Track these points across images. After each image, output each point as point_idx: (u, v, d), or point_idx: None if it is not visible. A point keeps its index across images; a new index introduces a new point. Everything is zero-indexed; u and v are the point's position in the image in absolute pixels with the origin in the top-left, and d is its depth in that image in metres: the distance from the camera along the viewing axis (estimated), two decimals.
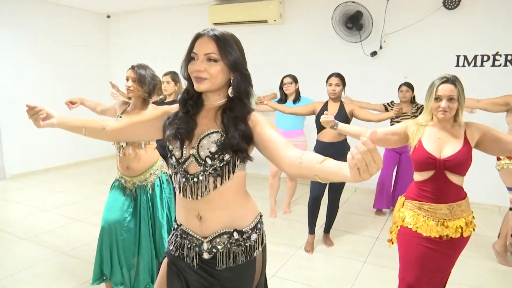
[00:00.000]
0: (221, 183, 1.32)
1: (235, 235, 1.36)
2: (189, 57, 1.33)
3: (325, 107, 3.43)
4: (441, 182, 1.92)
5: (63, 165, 6.55)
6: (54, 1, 6.12)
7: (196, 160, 1.33)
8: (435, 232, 1.92)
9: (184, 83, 1.43)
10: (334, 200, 3.55)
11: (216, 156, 1.30)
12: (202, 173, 1.32)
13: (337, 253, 3.45)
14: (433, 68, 4.73)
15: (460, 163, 1.88)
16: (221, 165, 1.31)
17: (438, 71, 4.57)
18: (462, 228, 1.92)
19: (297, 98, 4.20)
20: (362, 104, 4.44)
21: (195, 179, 1.33)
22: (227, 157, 1.30)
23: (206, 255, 1.37)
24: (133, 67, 2.44)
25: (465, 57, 4.57)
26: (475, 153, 1.96)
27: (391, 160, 4.27)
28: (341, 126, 2.33)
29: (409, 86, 4.13)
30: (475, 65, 4.54)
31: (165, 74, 3.60)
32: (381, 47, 5.01)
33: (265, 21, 5.58)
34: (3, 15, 5.59)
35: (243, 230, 1.37)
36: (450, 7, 4.50)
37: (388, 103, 4.22)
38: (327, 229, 3.64)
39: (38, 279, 2.93)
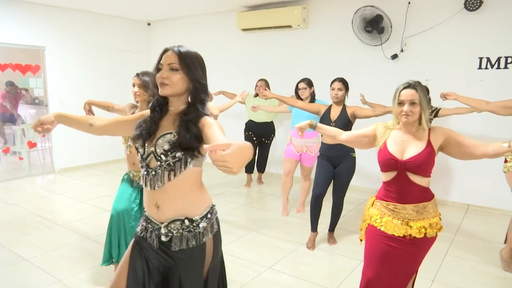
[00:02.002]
0: (174, 177, 1.55)
1: (186, 222, 1.59)
2: (158, 68, 1.60)
3: (328, 110, 3.57)
4: (403, 182, 2.01)
5: (104, 162, 7.15)
6: (99, 11, 6.71)
7: (155, 157, 1.58)
8: (399, 232, 2.02)
9: None
10: (338, 200, 3.66)
11: (169, 153, 1.55)
12: (158, 167, 1.57)
13: (338, 251, 3.56)
14: (455, 71, 4.66)
15: (421, 164, 1.97)
16: (173, 161, 1.54)
17: (460, 73, 4.61)
18: (425, 229, 2.01)
19: (312, 101, 4.33)
20: (376, 105, 4.48)
21: (153, 173, 1.58)
22: (178, 154, 1.54)
23: (163, 238, 1.61)
24: (137, 75, 2.75)
25: (488, 59, 4.45)
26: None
27: None
28: (319, 125, 2.45)
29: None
30: (498, 67, 4.40)
31: None
32: (402, 50, 4.99)
33: (290, 26, 5.75)
34: (54, 25, 6.25)
35: (193, 218, 1.60)
36: (471, 8, 4.41)
37: None
38: (331, 228, 3.75)
39: (63, 259, 3.35)
